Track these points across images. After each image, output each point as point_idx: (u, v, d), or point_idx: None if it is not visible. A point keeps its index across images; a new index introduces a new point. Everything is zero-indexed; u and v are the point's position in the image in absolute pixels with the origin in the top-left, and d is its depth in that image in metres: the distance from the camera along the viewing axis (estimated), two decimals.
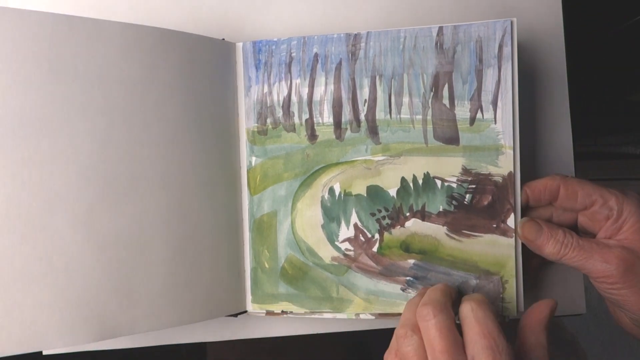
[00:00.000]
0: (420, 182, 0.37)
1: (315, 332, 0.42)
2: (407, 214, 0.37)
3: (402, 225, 0.37)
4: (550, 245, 0.35)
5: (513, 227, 0.36)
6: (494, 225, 0.36)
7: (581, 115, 0.45)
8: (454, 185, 0.36)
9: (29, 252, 0.32)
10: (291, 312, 0.39)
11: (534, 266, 0.40)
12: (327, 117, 0.38)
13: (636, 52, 0.66)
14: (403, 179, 0.37)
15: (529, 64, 0.42)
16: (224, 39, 0.39)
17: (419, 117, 0.37)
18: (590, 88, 0.70)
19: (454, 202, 0.36)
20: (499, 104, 0.35)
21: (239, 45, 0.39)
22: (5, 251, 0.31)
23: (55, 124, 0.33)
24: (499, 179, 0.36)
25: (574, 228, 0.37)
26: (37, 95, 0.32)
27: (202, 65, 0.37)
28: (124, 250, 0.34)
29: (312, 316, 0.39)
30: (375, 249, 0.38)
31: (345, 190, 0.38)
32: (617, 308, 0.36)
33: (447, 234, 0.37)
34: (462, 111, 0.36)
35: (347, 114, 0.38)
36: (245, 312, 0.40)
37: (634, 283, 0.33)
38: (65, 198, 0.33)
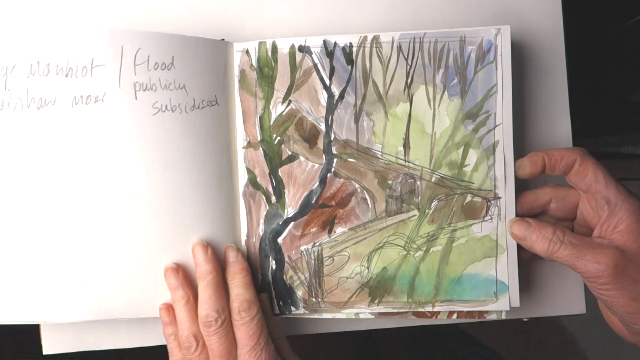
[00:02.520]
0: None
1: (315, 332, 0.42)
2: None
3: None
4: (540, 243, 0.34)
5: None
6: None
7: (581, 115, 0.45)
8: None
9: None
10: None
11: (525, 259, 0.39)
12: None
13: (636, 52, 0.66)
14: None
15: (530, 64, 0.42)
16: (223, 39, 0.39)
17: None
18: (590, 88, 0.70)
19: None
20: None
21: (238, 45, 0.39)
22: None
23: None
24: None
25: (572, 223, 0.38)
26: None
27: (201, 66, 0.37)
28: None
29: (312, 316, 0.39)
30: None
31: None
32: (607, 309, 0.36)
33: None
34: None
35: None
36: None
37: (624, 285, 0.32)
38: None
